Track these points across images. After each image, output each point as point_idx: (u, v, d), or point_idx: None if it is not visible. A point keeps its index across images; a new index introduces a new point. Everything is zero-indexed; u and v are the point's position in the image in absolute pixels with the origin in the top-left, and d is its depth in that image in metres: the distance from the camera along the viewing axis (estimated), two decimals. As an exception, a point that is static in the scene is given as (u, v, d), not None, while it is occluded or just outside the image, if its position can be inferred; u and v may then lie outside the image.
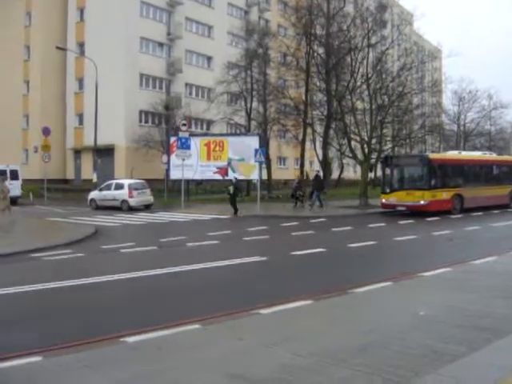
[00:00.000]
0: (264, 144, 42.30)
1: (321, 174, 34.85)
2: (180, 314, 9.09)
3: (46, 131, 43.93)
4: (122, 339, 7.41)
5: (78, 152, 55.99)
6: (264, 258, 15.05)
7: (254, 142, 39.08)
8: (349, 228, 23.48)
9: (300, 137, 50.07)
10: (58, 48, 46.59)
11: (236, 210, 30.09)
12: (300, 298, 9.58)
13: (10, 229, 22.12)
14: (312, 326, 7.95)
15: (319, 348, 6.71)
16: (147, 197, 34.91)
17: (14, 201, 40.51)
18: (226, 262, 14.27)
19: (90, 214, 30.87)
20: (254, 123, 50.85)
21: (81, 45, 55.04)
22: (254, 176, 38.43)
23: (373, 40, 41.31)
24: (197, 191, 46.27)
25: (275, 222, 25.94)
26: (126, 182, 35.37)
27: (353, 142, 40.44)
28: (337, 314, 8.60)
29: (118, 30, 51.45)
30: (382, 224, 25.56)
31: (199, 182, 46.17)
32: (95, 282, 11.90)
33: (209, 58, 60.52)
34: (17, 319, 9.24)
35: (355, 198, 37.41)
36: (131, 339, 7.37)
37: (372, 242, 18.28)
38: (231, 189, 30.63)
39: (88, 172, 48.24)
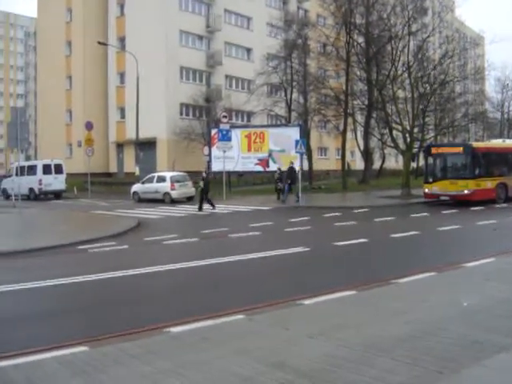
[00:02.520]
0: (305, 135, 42.16)
1: (295, 166, 33.84)
2: (224, 304, 9.16)
3: (88, 126, 44.51)
4: (166, 329, 7.49)
5: (120, 145, 56.65)
6: (307, 249, 15.02)
7: (294, 132, 38.98)
8: (391, 218, 23.29)
9: (341, 127, 49.69)
10: (99, 43, 47.11)
11: (201, 207, 28.72)
12: (343, 289, 9.55)
13: None
14: (355, 316, 7.91)
15: (362, 338, 6.68)
16: (189, 189, 35.15)
17: (58, 194, 41.36)
18: (269, 253, 14.29)
19: (132, 207, 31.23)
20: (294, 114, 50.72)
21: (121, 39, 55.61)
22: (295, 167, 38.30)
23: (413, 28, 40.75)
24: (238, 183, 46.36)
25: (317, 213, 25.90)
26: (168, 174, 35.63)
27: (394, 132, 40.03)
28: (380, 305, 8.54)
29: (157, 24, 51.77)
30: (425, 214, 25.27)
31: (240, 174, 46.24)
32: (139, 274, 12.05)
33: (248, 50, 60.47)
34: (63, 310, 9.46)
35: (397, 188, 37.06)
36: (175, 329, 7.45)
37: (415, 232, 18.11)
38: (201, 184, 29.69)
39: (130, 165, 48.77)
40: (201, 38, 56.22)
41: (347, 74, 45.53)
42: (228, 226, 21.24)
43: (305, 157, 43.17)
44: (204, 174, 30.43)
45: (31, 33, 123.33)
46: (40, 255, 15.15)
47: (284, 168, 35.25)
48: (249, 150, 41.55)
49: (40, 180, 40.42)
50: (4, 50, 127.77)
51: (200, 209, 28.47)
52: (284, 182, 32.82)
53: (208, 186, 29.51)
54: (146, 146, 49.01)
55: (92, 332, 7.76)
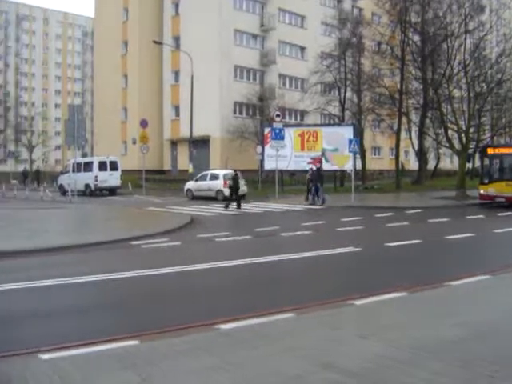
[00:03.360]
0: (358, 134, 41.90)
1: (322, 167, 33.74)
2: (274, 302, 9.19)
3: (143, 123, 45.06)
4: (215, 326, 7.53)
5: (174, 143, 57.26)
6: (358, 249, 14.93)
7: (348, 132, 38.72)
8: (446, 219, 22.93)
9: (395, 126, 49.17)
10: (154, 42, 47.72)
11: (228, 204, 28.83)
12: (395, 290, 9.47)
13: None
14: (406, 317, 7.84)
15: (412, 340, 6.62)
16: (241, 187, 35.26)
17: (113, 191, 42.05)
18: (320, 252, 14.26)
19: (186, 204, 31.53)
20: (347, 113, 50.36)
21: (176, 38, 56.21)
22: (349, 166, 37.96)
23: (470, 26, 40.03)
24: (291, 182, 46.32)
25: (370, 213, 25.71)
26: (221, 172, 35.81)
27: (450, 132, 39.37)
28: (431, 307, 8.44)
29: (212, 23, 52.17)
30: (481, 216, 24.83)
31: (292, 173, 46.18)
32: (190, 270, 12.16)
33: (302, 49, 60.38)
34: (115, 304, 9.64)
35: (452, 189, 36.51)
36: (225, 326, 7.48)
37: (470, 234, 17.80)
38: (231, 182, 29.92)
39: (184, 163, 49.21)
40: (255, 36, 56.40)
41: (402, 72, 45.06)
42: (279, 224, 21.26)
43: (358, 156, 42.90)
44: (233, 173, 30.69)
45: (89, 32, 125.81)
46: (94, 250, 15.42)
47: (335, 167, 35.02)
48: (302, 148, 41.45)
49: (96, 176, 41.16)
50: (62, 49, 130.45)
51: (227, 207, 28.55)
52: (313, 183, 32.02)
53: (237, 184, 29.54)
54: (200, 144, 49.42)
55: (142, 326, 7.88)
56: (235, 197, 29.07)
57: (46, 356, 6.40)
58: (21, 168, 73.16)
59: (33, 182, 54.03)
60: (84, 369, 5.89)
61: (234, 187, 29.21)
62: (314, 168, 33.49)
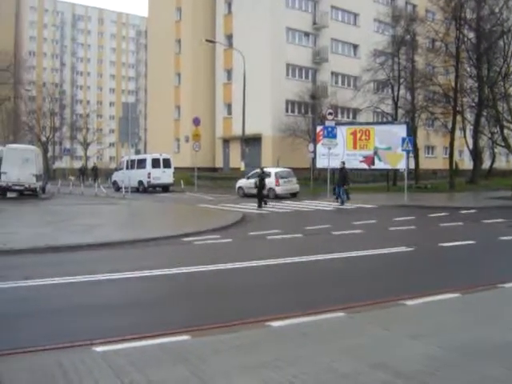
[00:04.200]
0: (411, 132, 41.39)
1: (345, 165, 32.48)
2: (324, 300, 9.20)
3: (196, 121, 45.51)
4: (266, 323, 7.58)
5: (226, 141, 57.59)
6: (411, 249, 14.80)
7: (401, 130, 38.29)
8: (501, 220, 22.44)
9: (449, 125, 48.37)
10: (207, 41, 48.18)
11: (260, 203, 28.60)
12: (447, 291, 9.35)
13: None
14: (458, 319, 7.75)
15: (464, 342, 6.55)
16: (293, 185, 35.34)
17: (166, 188, 42.54)
18: (372, 252, 14.19)
19: (237, 202, 31.70)
20: (401, 111, 49.79)
21: (229, 37, 56.49)
22: (401, 165, 37.53)
23: (527, 22, 39.21)
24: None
25: (423, 213, 25.41)
26: (273, 170, 35.83)
27: (506, 131, 38.64)
28: (484, 309, 8.32)
29: (264, 22, 52.26)
30: (538, 216, 24.28)
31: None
32: (241, 267, 12.26)
33: (355, 46, 60.06)
34: (167, 299, 9.79)
35: (508, 188, 35.77)
36: (276, 324, 7.52)
37: (526, 235, 17.45)
38: (257, 181, 29.82)
39: (236, 160, 49.49)
40: (307, 34, 56.31)
41: (457, 70, 44.27)
42: (331, 223, 21.23)
43: (411, 155, 42.40)
44: (260, 171, 30.69)
45: (142, 31, 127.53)
46: (147, 246, 15.69)
47: (388, 166, 34.58)
48: (354, 147, 41.17)
49: (149, 173, 41.69)
50: (116, 49, 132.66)
51: (260, 206, 28.38)
52: (337, 183, 31.34)
53: (263, 183, 29.48)
54: (252, 142, 49.62)
55: (194, 322, 8.00)
56: (260, 196, 28.85)
57: (99, 349, 6.54)
58: (77, 165, 74.64)
59: (91, 178, 55.07)
60: (137, 362, 5.99)
61: (261, 186, 29.17)
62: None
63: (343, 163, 32.61)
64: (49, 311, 8.95)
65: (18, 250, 14.38)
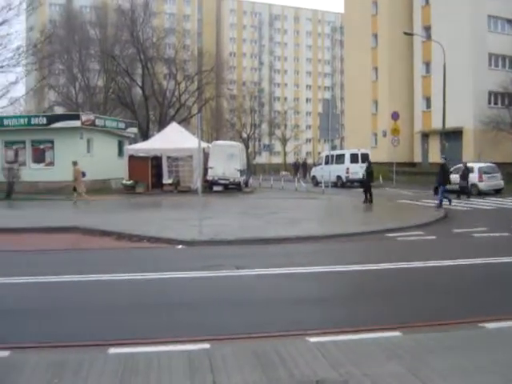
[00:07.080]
0: None
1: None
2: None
3: (394, 116, 45.15)
4: (480, 324, 7.40)
5: (425, 135, 56.34)
6: None
7: None
8: None
9: None
10: (405, 33, 47.47)
11: (367, 199, 27.03)
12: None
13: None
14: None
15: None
16: (498, 181, 33.78)
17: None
18: None
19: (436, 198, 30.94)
20: None
21: (427, 28, 55.15)
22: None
23: None
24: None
25: None
26: (477, 165, 34.52)
27: None
28: None
29: (464, 10, 50.34)
30: None
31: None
32: (445, 265, 12.05)
33: None
34: (370, 294, 9.81)
35: None
36: (490, 325, 7.33)
37: None
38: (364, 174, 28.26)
39: (435, 155, 48.41)
40: (510, 22, 53.33)
41: None
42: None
43: None
44: (367, 164, 29.66)
45: (337, 28, 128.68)
46: (351, 240, 16.02)
47: None
48: None
49: (347, 168, 42.00)
50: (312, 45, 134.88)
51: (366, 200, 27.28)
52: (437, 183, 26.91)
53: (370, 176, 28.18)
54: (452, 136, 48.13)
55: (402, 318, 8.05)
56: (367, 191, 27.55)
57: (313, 339, 6.72)
58: (276, 160, 76.92)
59: (300, 173, 57.04)
60: (350, 354, 6.16)
61: (367, 180, 27.95)
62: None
63: (444, 158, 28.70)
64: (259, 301, 9.44)
65: (229, 240, 15.42)
